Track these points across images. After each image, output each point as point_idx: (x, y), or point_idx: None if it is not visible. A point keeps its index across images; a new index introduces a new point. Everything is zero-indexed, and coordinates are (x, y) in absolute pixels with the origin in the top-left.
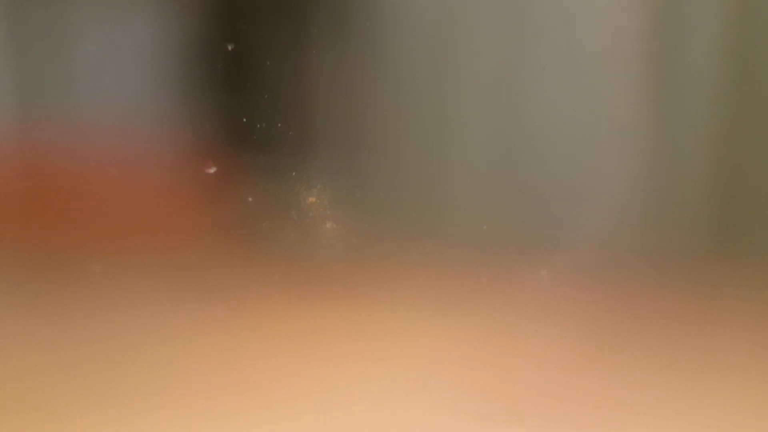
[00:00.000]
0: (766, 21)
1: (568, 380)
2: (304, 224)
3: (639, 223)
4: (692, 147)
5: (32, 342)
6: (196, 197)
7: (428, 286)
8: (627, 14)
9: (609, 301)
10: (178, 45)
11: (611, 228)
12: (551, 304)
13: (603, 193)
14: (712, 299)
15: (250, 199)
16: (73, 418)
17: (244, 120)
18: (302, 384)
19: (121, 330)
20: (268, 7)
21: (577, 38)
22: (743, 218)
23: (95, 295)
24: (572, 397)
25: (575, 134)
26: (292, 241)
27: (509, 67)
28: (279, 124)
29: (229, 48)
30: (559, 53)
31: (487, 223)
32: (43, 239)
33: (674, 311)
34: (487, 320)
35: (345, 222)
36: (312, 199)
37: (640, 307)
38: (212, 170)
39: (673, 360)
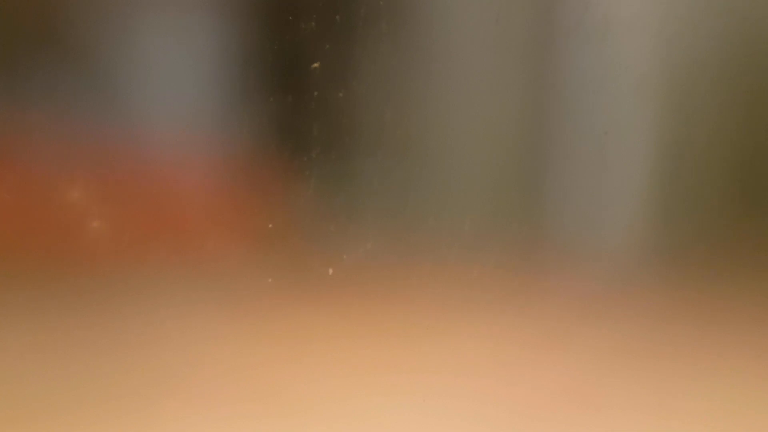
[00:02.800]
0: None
1: (583, 386)
2: (332, 230)
3: (652, 227)
4: (702, 148)
5: (38, 345)
6: (225, 201)
7: (452, 292)
8: (635, 17)
9: (629, 308)
10: (219, 52)
11: (632, 233)
12: (569, 312)
13: (620, 200)
14: (736, 306)
15: (267, 213)
16: (81, 420)
17: (286, 125)
18: (318, 391)
19: (132, 335)
20: (317, 12)
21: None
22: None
23: (104, 297)
24: (587, 402)
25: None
26: (316, 245)
27: (553, 72)
28: (321, 127)
29: (275, 55)
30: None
31: (516, 230)
32: (54, 243)
33: (695, 316)
34: (508, 327)
35: (374, 228)
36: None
37: (660, 312)
38: (241, 174)
39: (696, 366)
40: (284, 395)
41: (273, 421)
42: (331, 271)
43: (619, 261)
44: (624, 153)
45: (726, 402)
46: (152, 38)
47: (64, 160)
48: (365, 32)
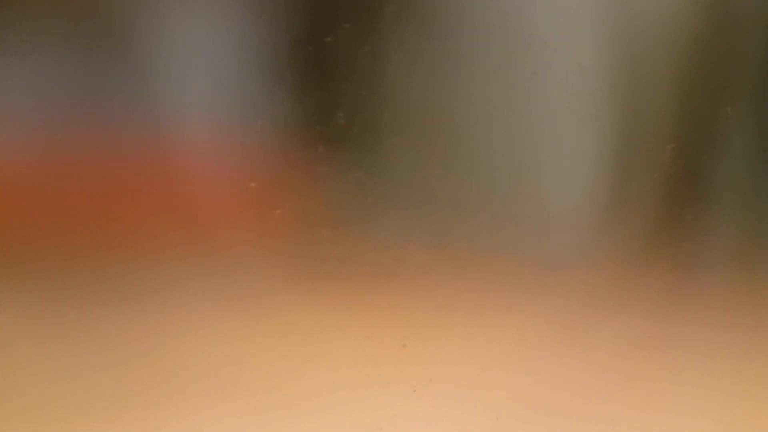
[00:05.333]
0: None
1: (590, 382)
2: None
3: (664, 224)
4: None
5: (43, 339)
6: (240, 193)
7: (459, 290)
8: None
9: (640, 305)
10: (250, 44)
11: (643, 230)
12: (579, 308)
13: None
14: (746, 303)
15: (278, 209)
16: (81, 419)
17: (313, 116)
18: (328, 384)
19: (134, 331)
20: (349, 5)
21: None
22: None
23: (106, 295)
24: (592, 398)
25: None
26: (326, 241)
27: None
28: (343, 121)
29: (306, 47)
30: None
31: (525, 226)
32: (55, 237)
33: (707, 312)
34: (520, 321)
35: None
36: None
37: (670, 308)
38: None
39: (707, 361)
40: (294, 388)
41: (278, 416)
42: (343, 264)
43: (631, 256)
44: (632, 151)
45: (738, 398)
46: (172, 31)
47: (78, 151)
48: (392, 29)
